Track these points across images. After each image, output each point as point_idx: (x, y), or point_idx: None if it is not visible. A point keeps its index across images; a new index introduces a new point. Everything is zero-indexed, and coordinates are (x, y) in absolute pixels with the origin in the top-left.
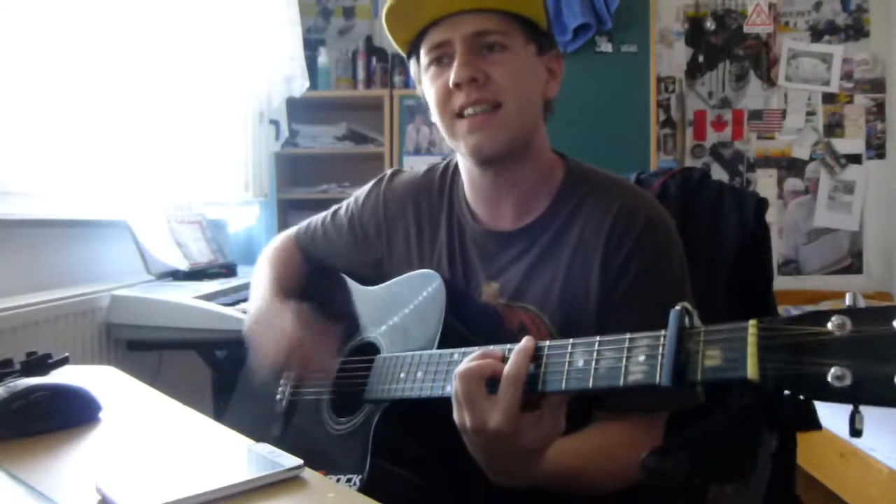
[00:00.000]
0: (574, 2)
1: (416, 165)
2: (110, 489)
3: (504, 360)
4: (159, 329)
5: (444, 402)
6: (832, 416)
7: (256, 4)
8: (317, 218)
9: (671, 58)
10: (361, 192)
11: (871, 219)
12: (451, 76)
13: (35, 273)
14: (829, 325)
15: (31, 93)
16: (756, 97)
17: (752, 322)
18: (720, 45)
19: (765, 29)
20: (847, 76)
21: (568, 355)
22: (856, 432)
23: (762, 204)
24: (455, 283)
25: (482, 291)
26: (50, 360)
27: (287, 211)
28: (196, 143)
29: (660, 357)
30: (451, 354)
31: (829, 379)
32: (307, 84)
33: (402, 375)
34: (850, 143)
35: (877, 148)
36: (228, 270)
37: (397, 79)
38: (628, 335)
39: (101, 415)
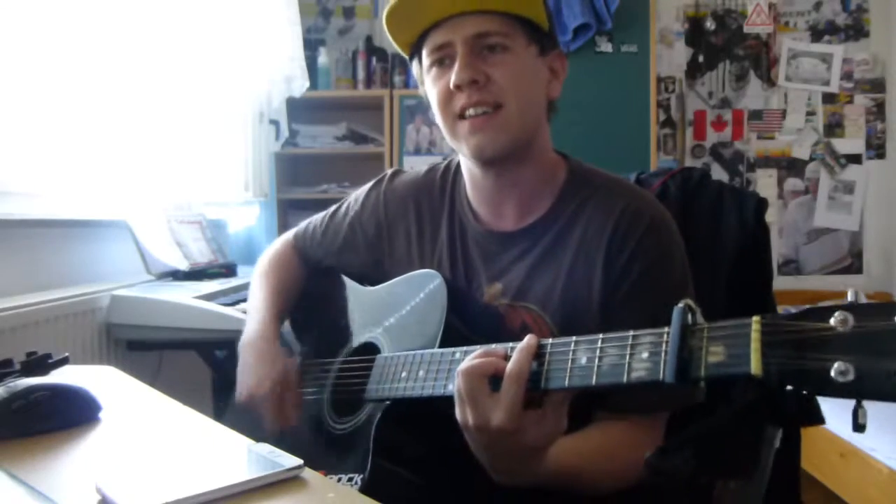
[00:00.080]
0: (574, 2)
1: (416, 165)
2: (110, 489)
3: (507, 357)
4: (159, 329)
5: (445, 402)
6: (832, 415)
7: (256, 4)
8: (315, 219)
9: (671, 58)
10: (361, 192)
11: (871, 219)
12: (452, 78)
13: (35, 273)
14: (832, 321)
15: (31, 93)
16: (756, 97)
17: (755, 318)
18: (720, 45)
19: (765, 29)
20: (847, 76)
21: (571, 353)
22: (859, 427)
23: (762, 204)
24: (456, 282)
25: (484, 292)
26: (50, 360)
27: (287, 211)
28: (196, 143)
29: (663, 354)
30: (453, 353)
31: (832, 374)
32: (307, 84)
33: (404, 374)
34: (850, 143)
35: (877, 148)
36: (228, 270)
37: (397, 79)
38: (631, 332)
39: (101, 415)
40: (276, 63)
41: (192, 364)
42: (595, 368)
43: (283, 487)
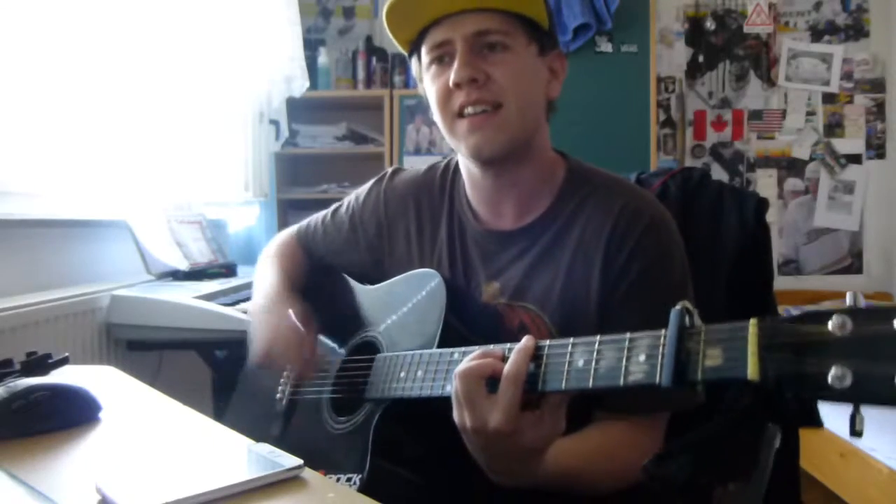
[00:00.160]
0: (574, 2)
1: (416, 165)
2: (110, 489)
3: (504, 359)
4: (159, 329)
5: (444, 402)
6: (832, 416)
7: (256, 4)
8: (317, 216)
9: (671, 58)
10: (362, 190)
11: (871, 219)
12: (452, 76)
13: (35, 273)
14: (830, 325)
15: (31, 93)
16: (756, 97)
17: (752, 321)
18: (720, 45)
19: (765, 29)
20: (847, 76)
21: (568, 355)
22: (856, 433)
23: (762, 204)
24: (455, 282)
25: (482, 291)
26: (50, 360)
27: (287, 211)
28: (196, 143)
29: (660, 357)
30: (452, 354)
31: (830, 379)
32: (307, 84)
33: (403, 374)
34: (850, 143)
35: (877, 148)
36: (228, 270)
37: (397, 79)
38: (628, 335)
39: (101, 415)
40: (276, 63)
41: (192, 364)
42: (592, 371)
43: (283, 487)
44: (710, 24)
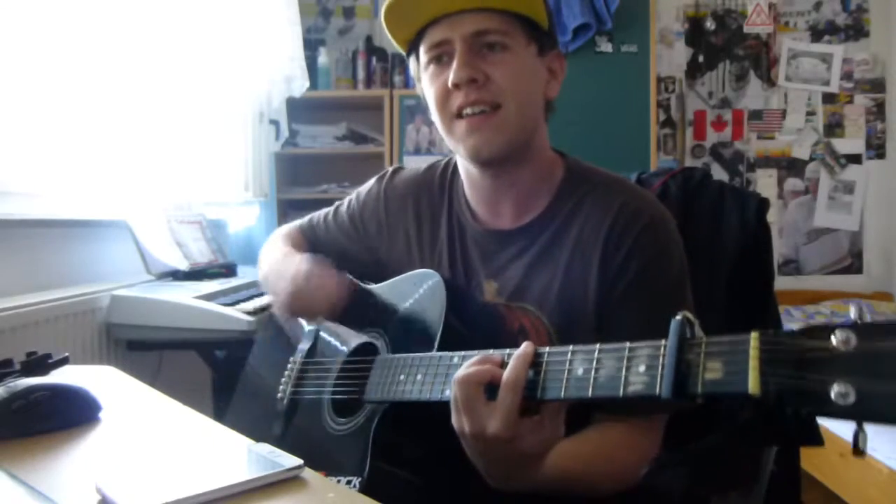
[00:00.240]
0: (574, 2)
1: (416, 165)
2: (110, 489)
3: (503, 365)
4: (159, 329)
5: (444, 405)
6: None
7: (256, 4)
8: (319, 214)
9: (671, 58)
10: (363, 188)
11: (871, 219)
12: (451, 76)
13: (35, 273)
14: (834, 340)
15: (31, 93)
16: (756, 97)
17: (754, 335)
18: (720, 45)
19: (765, 29)
20: (847, 76)
21: (568, 362)
22: (859, 452)
23: (763, 204)
24: (456, 282)
25: (483, 290)
26: (50, 360)
27: (287, 211)
28: (196, 143)
29: (660, 368)
30: (451, 358)
31: (833, 396)
32: (307, 84)
33: (402, 377)
34: (850, 143)
35: (877, 148)
36: (228, 270)
37: (397, 79)
38: (628, 344)
39: (101, 415)
40: (276, 63)
41: (192, 364)
42: (591, 380)
43: (283, 487)
44: (710, 24)
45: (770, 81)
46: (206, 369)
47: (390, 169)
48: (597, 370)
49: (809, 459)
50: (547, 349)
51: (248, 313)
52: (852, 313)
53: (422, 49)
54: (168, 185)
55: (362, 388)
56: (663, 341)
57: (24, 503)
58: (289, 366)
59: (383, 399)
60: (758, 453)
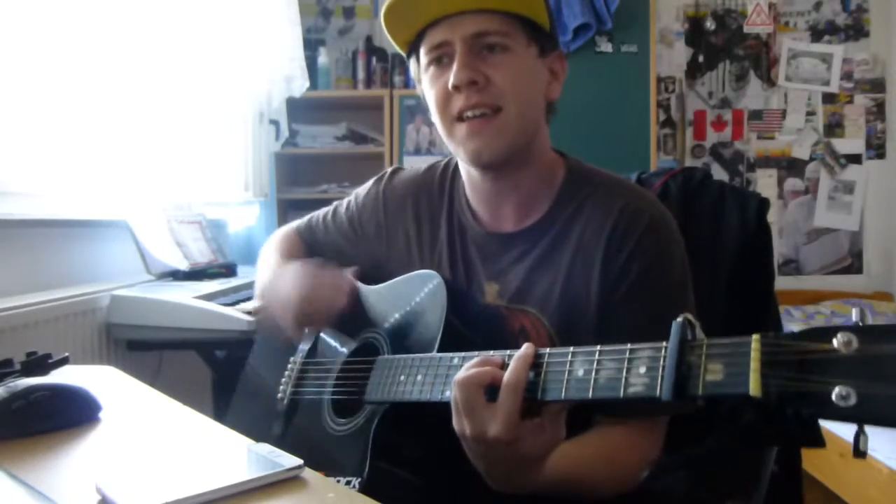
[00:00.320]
0: (574, 2)
1: (416, 165)
2: (110, 489)
3: (504, 366)
4: (159, 329)
5: (444, 406)
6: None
7: (256, 4)
8: (318, 215)
9: (671, 58)
10: (362, 189)
11: (871, 219)
12: (451, 78)
13: (35, 273)
14: (835, 343)
15: (31, 93)
16: (756, 97)
17: (755, 337)
18: (720, 45)
19: (765, 29)
20: (847, 76)
21: (568, 363)
22: (860, 454)
23: (764, 204)
24: (456, 283)
25: (484, 292)
26: (50, 360)
27: (287, 211)
28: (196, 143)
29: (661, 369)
30: (452, 359)
31: (834, 398)
32: (307, 84)
33: (402, 378)
34: (850, 143)
35: (877, 148)
36: (228, 270)
37: (397, 79)
38: (629, 346)
39: (101, 415)
40: (276, 63)
41: (192, 364)
42: (592, 381)
43: (283, 487)
44: (710, 24)
45: (770, 81)
46: (206, 369)
47: (389, 170)
48: (597, 371)
49: (810, 460)
50: (547, 350)
51: (248, 313)
52: (854, 316)
53: (422, 51)
54: (168, 185)
55: (362, 389)
56: (664, 343)
57: (24, 503)
58: (289, 366)
59: (383, 400)
60: (759, 456)
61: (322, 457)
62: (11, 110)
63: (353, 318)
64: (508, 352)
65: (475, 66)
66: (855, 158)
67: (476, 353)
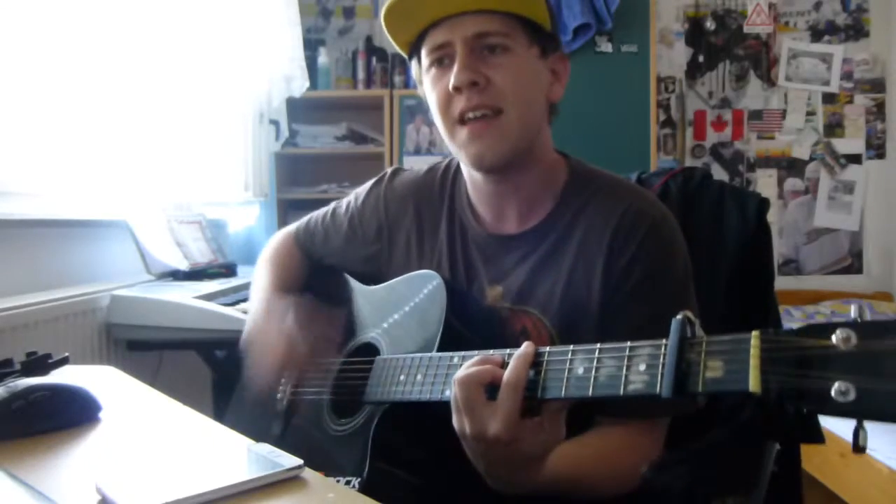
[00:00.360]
0: (574, 2)
1: (416, 165)
2: (110, 489)
3: (504, 365)
4: (159, 329)
5: (444, 405)
6: (833, 418)
7: (256, 4)
8: (316, 216)
9: (671, 58)
10: (362, 190)
11: (871, 219)
12: (451, 79)
13: (35, 273)
14: (834, 339)
15: (31, 93)
16: (756, 97)
17: (754, 333)
18: (720, 45)
19: (765, 29)
20: (847, 76)
21: (568, 362)
22: (859, 449)
23: (764, 204)
24: (456, 283)
25: (485, 294)
26: (50, 360)
27: (287, 211)
28: (196, 143)
29: (660, 367)
30: (451, 358)
31: (833, 393)
32: (307, 84)
33: (402, 378)
34: (850, 143)
35: (877, 148)
36: (228, 270)
37: (397, 79)
38: (629, 343)
39: (101, 415)
40: (276, 63)
41: (192, 364)
42: (592, 380)
43: (283, 487)
44: (710, 24)
45: (770, 81)
46: (206, 369)
47: (389, 171)
48: (597, 369)
49: (810, 460)
50: (547, 349)
51: (248, 313)
52: (853, 312)
53: (423, 52)
54: (168, 185)
55: (362, 389)
56: (664, 340)
57: (24, 503)
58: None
59: (383, 400)
60: (758, 453)
61: (322, 457)
62: (11, 110)
63: (352, 319)
64: (508, 350)
65: (476, 68)
66: (855, 158)
67: (476, 352)
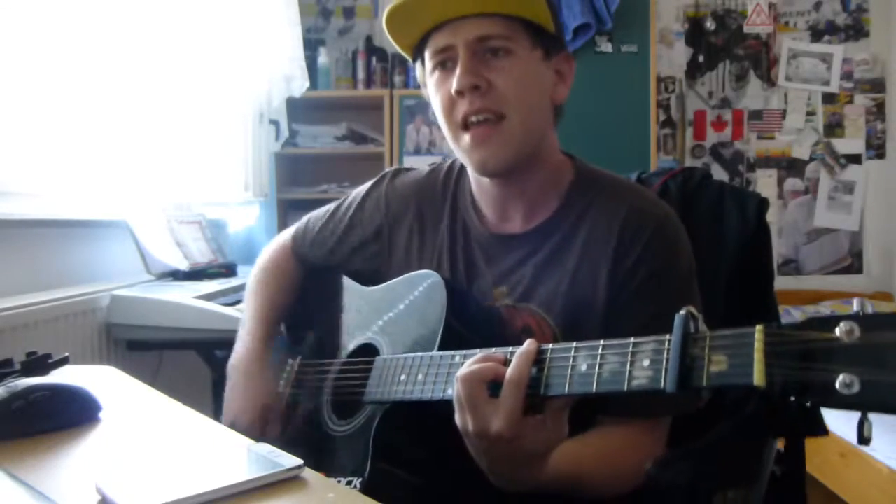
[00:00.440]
0: (574, 2)
1: (416, 165)
2: (110, 489)
3: (506, 363)
4: (159, 329)
5: (445, 404)
6: (832, 416)
7: (256, 4)
8: (315, 216)
9: (671, 58)
10: (361, 190)
11: (871, 219)
12: (453, 84)
13: (35, 273)
14: (837, 332)
15: (31, 93)
16: (756, 97)
17: (758, 327)
18: (720, 45)
19: (765, 29)
20: (847, 76)
21: (571, 359)
22: (864, 440)
23: (763, 204)
24: (456, 283)
25: (488, 293)
26: (50, 360)
27: (287, 211)
28: (196, 143)
29: (664, 362)
30: (453, 357)
31: (837, 386)
32: (307, 84)
33: (403, 377)
34: (850, 143)
35: (877, 148)
36: (228, 270)
37: (397, 79)
38: (632, 339)
39: (101, 415)
40: (276, 63)
41: (192, 364)
42: (595, 376)
43: (283, 487)
44: (710, 24)
45: (770, 81)
46: (206, 369)
47: (390, 171)
48: (601, 366)
49: (810, 459)
50: (550, 346)
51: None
52: (855, 306)
53: (426, 55)
54: (168, 185)
55: (362, 389)
56: (667, 336)
57: (24, 503)
58: (287, 366)
59: (384, 399)
60: (760, 447)
61: (322, 457)
62: (11, 110)
63: (352, 319)
64: (511, 348)
65: (478, 71)
66: (855, 158)
67: (477, 350)
